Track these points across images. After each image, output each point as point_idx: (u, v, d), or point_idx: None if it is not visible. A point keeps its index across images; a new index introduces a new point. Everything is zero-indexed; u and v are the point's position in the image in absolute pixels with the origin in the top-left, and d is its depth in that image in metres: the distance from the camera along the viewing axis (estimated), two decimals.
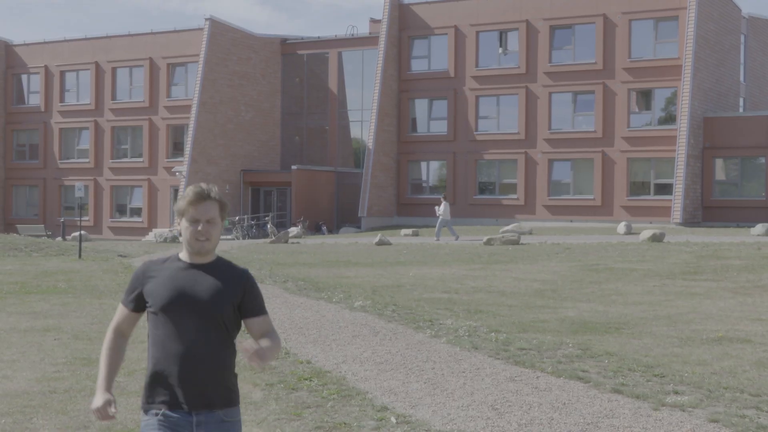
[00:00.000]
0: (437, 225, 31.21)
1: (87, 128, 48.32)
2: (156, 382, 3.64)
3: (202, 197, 3.67)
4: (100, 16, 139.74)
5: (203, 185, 3.72)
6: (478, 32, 41.12)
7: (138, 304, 3.74)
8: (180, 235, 3.78)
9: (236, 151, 44.80)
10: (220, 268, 3.73)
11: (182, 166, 43.38)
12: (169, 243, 34.33)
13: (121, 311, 3.81)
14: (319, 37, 46.64)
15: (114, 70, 47.73)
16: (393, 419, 6.83)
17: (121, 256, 25.08)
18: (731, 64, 40.45)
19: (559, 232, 33.30)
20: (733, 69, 40.67)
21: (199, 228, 3.64)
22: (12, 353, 9.55)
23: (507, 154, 40.25)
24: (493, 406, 7.25)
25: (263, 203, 45.20)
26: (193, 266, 3.70)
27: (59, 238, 37.86)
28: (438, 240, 30.24)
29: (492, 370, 8.61)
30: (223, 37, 44.46)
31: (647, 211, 37.24)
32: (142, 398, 3.71)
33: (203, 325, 3.62)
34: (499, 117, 40.87)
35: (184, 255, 3.74)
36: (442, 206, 30.96)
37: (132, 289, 3.75)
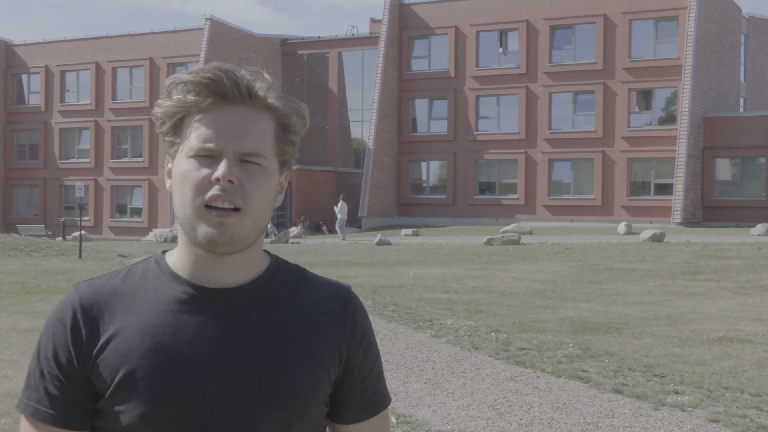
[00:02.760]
0: (338, 225, 32.83)
1: (87, 128, 48.34)
2: None
3: (227, 91, 1.44)
4: (100, 16, 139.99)
5: (232, 69, 1.46)
6: (478, 32, 41.13)
7: (80, 410, 1.46)
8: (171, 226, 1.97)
9: None
10: (284, 289, 1.54)
11: None
12: (169, 243, 34.25)
13: None
14: (319, 37, 46.67)
15: (114, 70, 47.75)
16: (393, 419, 6.83)
17: (121, 256, 25.09)
18: (731, 64, 40.46)
19: (559, 232, 33.30)
20: (733, 69, 40.68)
21: (222, 172, 1.41)
22: (12, 353, 9.56)
23: (507, 154, 40.26)
24: (493, 406, 7.25)
25: None
26: (212, 294, 1.49)
27: (59, 238, 37.86)
28: (344, 239, 30.96)
29: (492, 370, 8.61)
30: (223, 37, 44.49)
31: (647, 211, 37.25)
32: None
33: None
34: (499, 117, 40.88)
35: (178, 259, 1.51)
36: (339, 205, 32.75)
37: (56, 370, 1.46)
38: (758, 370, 8.53)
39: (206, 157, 1.43)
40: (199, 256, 1.48)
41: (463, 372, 8.56)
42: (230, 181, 1.41)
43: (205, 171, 1.42)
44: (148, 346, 1.44)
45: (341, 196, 35.09)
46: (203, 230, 1.43)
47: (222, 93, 1.44)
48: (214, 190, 1.41)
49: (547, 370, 8.54)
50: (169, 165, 1.51)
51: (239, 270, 1.50)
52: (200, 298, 1.48)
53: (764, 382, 8.00)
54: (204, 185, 1.42)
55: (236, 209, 1.42)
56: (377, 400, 1.61)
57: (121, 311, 1.47)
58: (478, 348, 9.74)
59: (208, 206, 1.42)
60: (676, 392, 7.58)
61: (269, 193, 1.47)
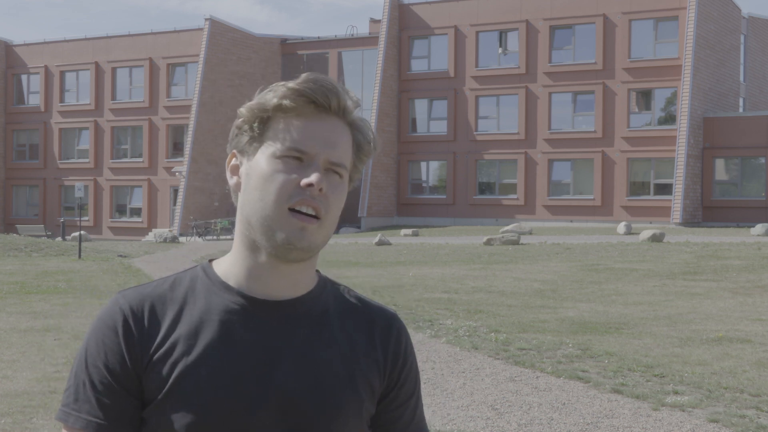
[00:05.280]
0: None
1: (87, 128, 48.34)
2: None
3: (323, 101, 1.44)
4: (100, 14, 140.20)
5: (332, 82, 1.46)
6: (478, 32, 41.14)
7: (132, 418, 1.41)
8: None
9: None
10: (332, 307, 1.52)
11: (182, 166, 43.37)
12: (169, 243, 34.25)
13: None
14: (319, 37, 46.67)
15: (114, 70, 47.75)
16: None
17: (121, 256, 25.09)
18: (731, 64, 40.46)
19: (559, 232, 33.30)
20: (733, 69, 40.68)
21: (315, 179, 1.38)
22: (12, 353, 9.55)
23: (507, 154, 40.26)
24: (492, 406, 7.25)
25: None
26: (264, 305, 1.45)
27: (59, 239, 37.87)
28: None
29: (492, 370, 8.61)
30: (223, 37, 44.48)
31: (647, 211, 37.25)
32: None
33: None
34: (499, 117, 40.89)
35: (229, 268, 1.48)
36: None
37: (108, 378, 1.41)
38: (758, 370, 8.53)
39: (294, 160, 1.41)
40: (258, 264, 1.45)
41: (463, 372, 8.56)
42: (320, 189, 1.39)
43: (294, 174, 1.40)
44: (197, 355, 1.40)
45: None
46: (283, 233, 1.39)
47: (319, 102, 1.43)
48: (302, 195, 1.39)
49: (547, 370, 8.54)
50: (235, 161, 1.48)
51: (294, 283, 1.47)
52: (251, 310, 1.45)
53: (764, 382, 8.00)
54: (291, 188, 1.39)
55: (318, 219, 1.41)
56: (413, 431, 1.57)
57: (170, 319, 1.43)
58: (478, 348, 9.74)
59: (291, 209, 1.40)
60: (676, 392, 7.58)
61: (342, 205, 1.46)
